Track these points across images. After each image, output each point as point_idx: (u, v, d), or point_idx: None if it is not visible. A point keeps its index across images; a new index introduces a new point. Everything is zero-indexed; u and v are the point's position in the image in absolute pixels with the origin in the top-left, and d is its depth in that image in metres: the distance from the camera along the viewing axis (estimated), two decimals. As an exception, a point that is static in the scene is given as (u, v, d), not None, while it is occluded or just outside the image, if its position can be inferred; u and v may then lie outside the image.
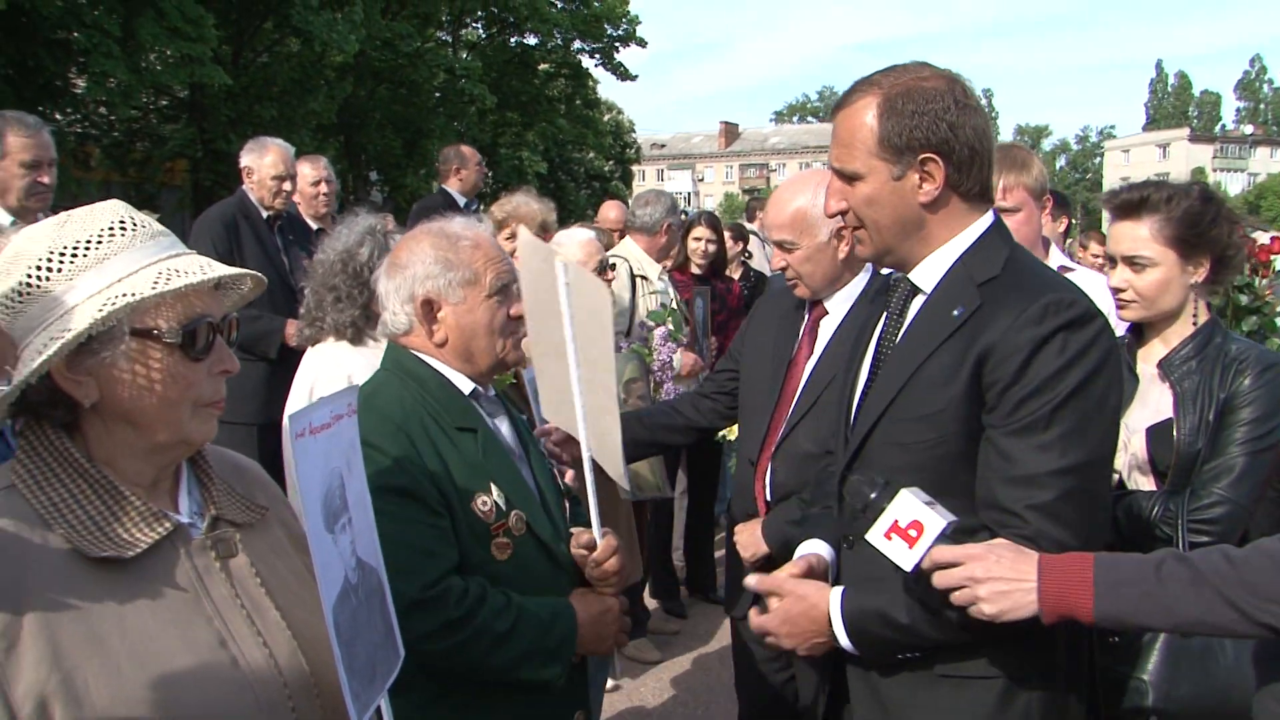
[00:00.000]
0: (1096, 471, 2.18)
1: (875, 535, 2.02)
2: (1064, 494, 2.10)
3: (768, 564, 3.25)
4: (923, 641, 2.18)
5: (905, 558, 2.00)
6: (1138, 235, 2.92)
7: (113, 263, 1.53)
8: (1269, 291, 5.54)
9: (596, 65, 36.31)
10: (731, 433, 5.52)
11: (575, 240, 4.49)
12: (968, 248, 2.28)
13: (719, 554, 7.00)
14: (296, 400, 3.46)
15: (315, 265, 3.50)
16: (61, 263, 1.52)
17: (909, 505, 2.00)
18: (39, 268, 1.52)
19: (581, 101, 37.52)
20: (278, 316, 5.60)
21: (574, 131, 37.06)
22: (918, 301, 2.35)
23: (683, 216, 6.51)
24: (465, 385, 2.57)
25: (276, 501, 1.86)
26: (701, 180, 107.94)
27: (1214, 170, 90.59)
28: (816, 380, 3.36)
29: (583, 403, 2.66)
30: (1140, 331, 3.07)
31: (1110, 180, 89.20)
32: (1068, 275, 3.54)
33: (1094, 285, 3.22)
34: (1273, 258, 5.81)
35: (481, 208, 8.36)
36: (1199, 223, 2.88)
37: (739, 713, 3.83)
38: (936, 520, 1.99)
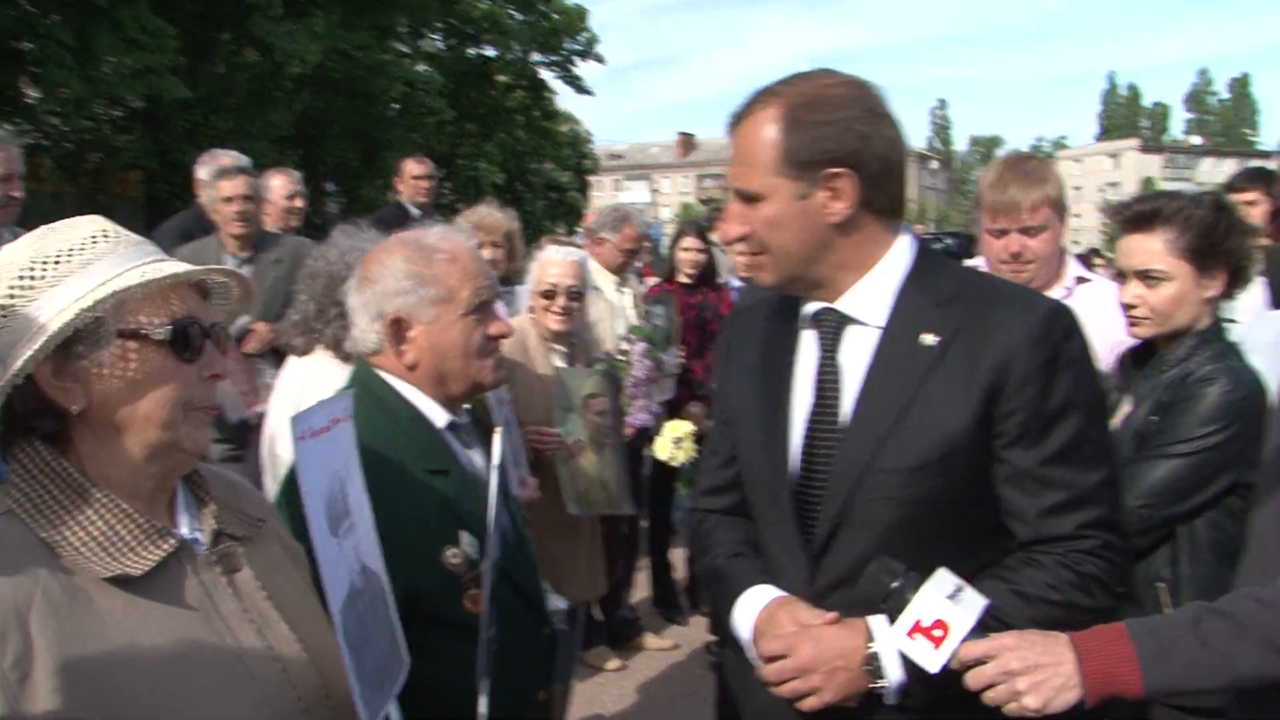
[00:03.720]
0: (1119, 470, 2.14)
1: (899, 636, 1.88)
2: (1113, 501, 2.06)
3: None
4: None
5: (930, 660, 1.85)
6: (1151, 248, 2.79)
7: (97, 267, 1.53)
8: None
9: (555, 78, 36.38)
10: (678, 457, 5.67)
11: (557, 257, 4.57)
12: (908, 270, 2.10)
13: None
14: (279, 409, 3.35)
15: (317, 274, 3.34)
16: (45, 270, 1.51)
17: (932, 602, 1.85)
18: (22, 278, 1.51)
19: (540, 113, 37.53)
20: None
21: (533, 143, 37.06)
22: (856, 334, 2.11)
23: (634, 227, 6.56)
24: (439, 418, 2.44)
25: (269, 514, 1.86)
26: (658, 190, 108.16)
27: (1163, 180, 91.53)
28: None
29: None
30: (1150, 348, 2.93)
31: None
32: (1085, 287, 3.47)
33: (1110, 296, 3.11)
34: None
35: (436, 218, 8.59)
36: (1214, 233, 2.76)
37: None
38: (963, 619, 1.84)
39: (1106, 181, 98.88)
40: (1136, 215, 2.83)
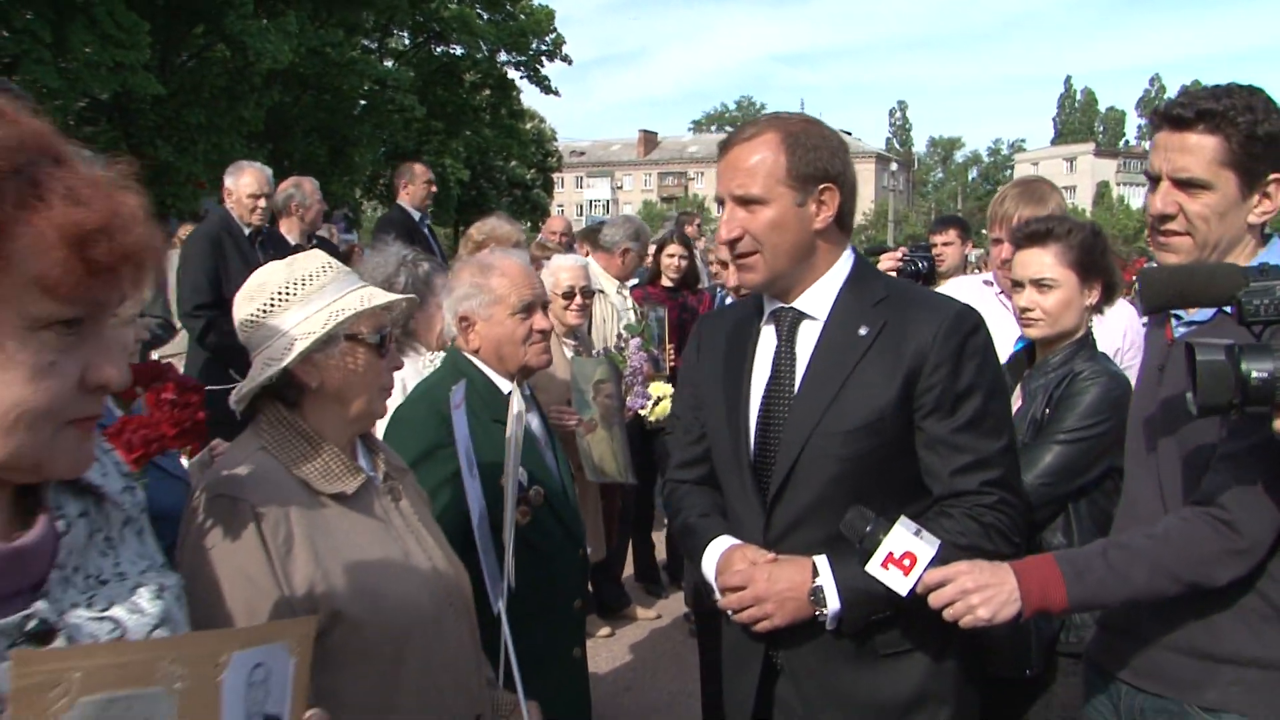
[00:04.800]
0: (1015, 440, 2.55)
1: (874, 566, 2.21)
2: (1010, 466, 2.46)
3: None
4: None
5: (901, 584, 2.21)
6: (1044, 260, 3.20)
7: (328, 290, 2.12)
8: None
9: (522, 78, 36.71)
10: (657, 413, 6.21)
11: (566, 264, 5.18)
12: (847, 276, 2.52)
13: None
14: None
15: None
16: (292, 291, 2.10)
17: (902, 538, 2.21)
18: (275, 296, 2.10)
19: (506, 112, 37.86)
20: None
21: (499, 141, 37.40)
22: (809, 326, 2.52)
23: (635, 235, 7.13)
24: (504, 385, 3.17)
25: (406, 466, 2.48)
26: (620, 188, 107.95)
27: (1118, 184, 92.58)
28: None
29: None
30: (1033, 351, 3.34)
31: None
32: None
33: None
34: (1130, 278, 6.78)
35: (430, 223, 8.98)
36: (1094, 251, 3.20)
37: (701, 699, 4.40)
38: (927, 549, 2.20)
39: (1063, 185, 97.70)
40: (1032, 233, 3.27)
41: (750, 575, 2.43)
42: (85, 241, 1.13)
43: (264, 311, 2.10)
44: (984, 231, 4.90)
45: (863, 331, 2.43)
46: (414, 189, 8.28)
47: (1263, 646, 2.25)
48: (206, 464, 2.79)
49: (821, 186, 2.42)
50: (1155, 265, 2.27)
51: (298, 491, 2.06)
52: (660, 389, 6.09)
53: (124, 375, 1.27)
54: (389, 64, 32.57)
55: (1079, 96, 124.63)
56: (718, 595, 2.53)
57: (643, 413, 6.07)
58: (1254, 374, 1.91)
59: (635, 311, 6.72)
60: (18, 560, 1.19)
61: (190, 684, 1.10)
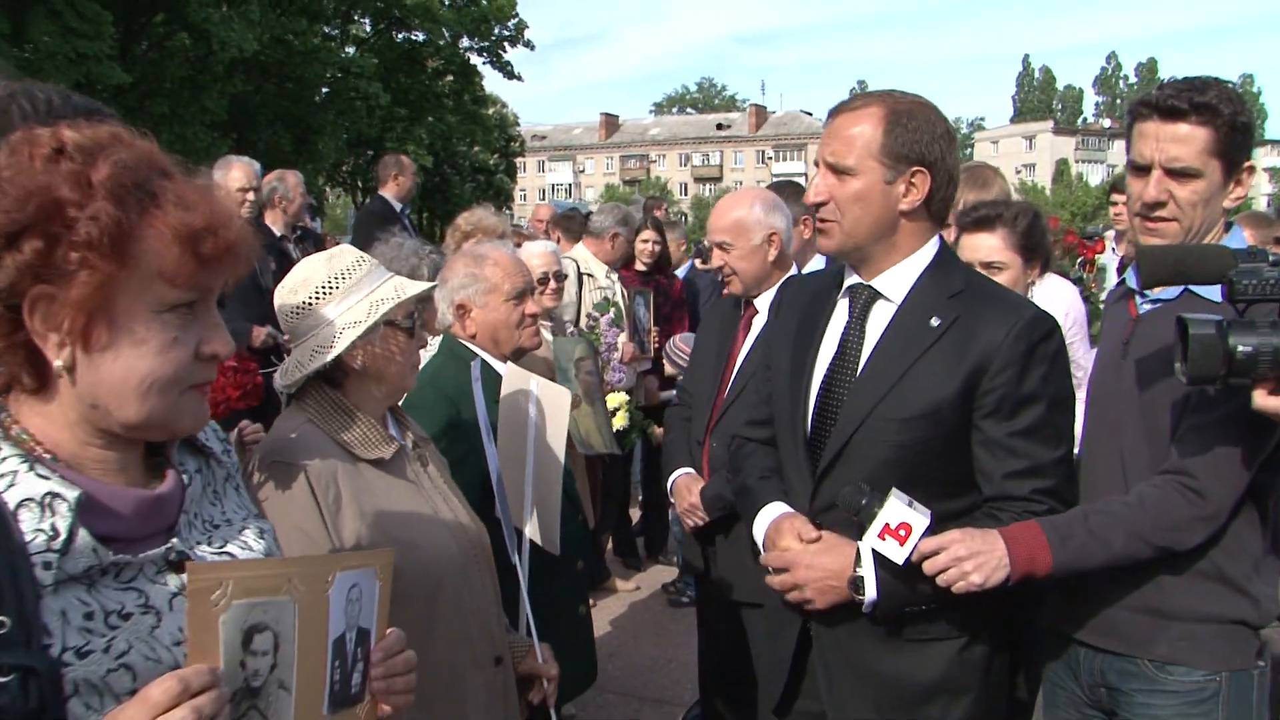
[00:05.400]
0: (1072, 452, 2.56)
1: (871, 538, 2.32)
2: (1064, 477, 2.49)
3: (708, 527, 3.90)
4: (942, 594, 2.35)
5: (898, 554, 2.30)
6: (992, 244, 3.47)
7: (364, 282, 2.37)
8: (1094, 285, 6.79)
9: (484, 63, 36.62)
10: (616, 424, 6.37)
11: (536, 250, 5.44)
12: (930, 262, 2.53)
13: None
14: None
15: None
16: (335, 284, 2.35)
17: (897, 510, 2.30)
18: (319, 289, 2.35)
19: (470, 98, 37.78)
20: (244, 322, 6.24)
21: (463, 128, 37.33)
22: (882, 307, 2.56)
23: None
24: (498, 366, 3.38)
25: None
26: (582, 171, 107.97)
27: (1076, 161, 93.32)
28: (745, 370, 3.83)
29: (532, 491, 3.10)
30: None
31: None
32: None
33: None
34: (1096, 256, 7.06)
35: (411, 212, 9.22)
36: (1034, 234, 3.49)
37: (699, 665, 4.57)
38: (921, 519, 2.30)
39: (1022, 163, 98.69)
40: (980, 219, 3.52)
41: (793, 560, 2.50)
42: (195, 239, 1.39)
43: (309, 304, 2.35)
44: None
45: (935, 322, 2.46)
46: (402, 180, 8.53)
47: (1205, 603, 2.44)
48: (236, 442, 3.06)
49: (914, 169, 2.45)
50: (1154, 245, 2.45)
51: (342, 458, 2.33)
52: (615, 399, 6.25)
53: (230, 346, 1.51)
54: (350, 51, 32.49)
55: (1037, 75, 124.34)
56: (764, 558, 2.61)
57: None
58: (1240, 348, 2.03)
59: (623, 295, 7.00)
60: (158, 505, 1.47)
61: (307, 596, 1.39)
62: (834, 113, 2.54)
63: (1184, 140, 2.40)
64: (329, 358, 2.30)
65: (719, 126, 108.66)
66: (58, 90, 1.82)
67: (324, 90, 31.44)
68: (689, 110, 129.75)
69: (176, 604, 1.40)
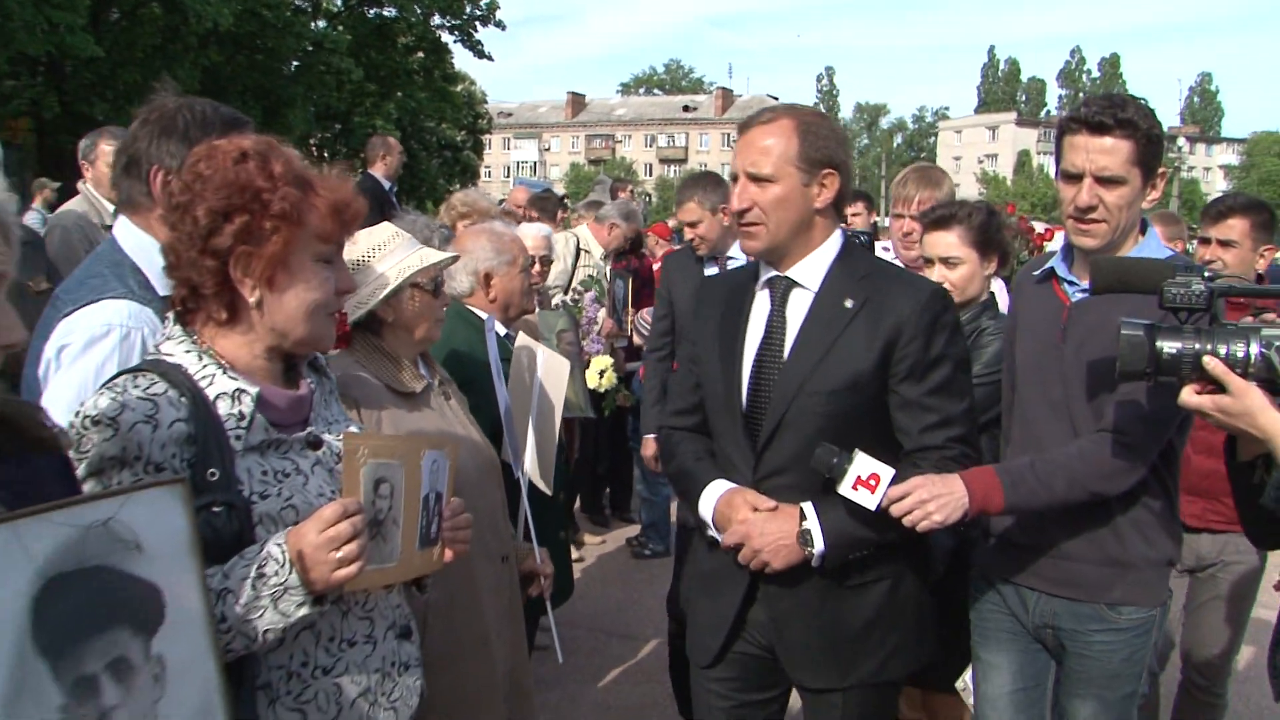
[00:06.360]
0: (974, 403, 2.89)
1: (845, 488, 2.56)
2: (970, 425, 2.81)
3: None
4: (878, 537, 2.68)
5: (870, 501, 2.55)
6: (949, 241, 3.69)
7: (398, 251, 2.93)
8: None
9: (456, 42, 36.51)
10: (602, 385, 6.83)
11: (531, 233, 6.03)
12: (838, 252, 2.80)
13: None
14: None
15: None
16: (375, 254, 2.90)
17: (866, 463, 2.56)
18: (368, 251, 2.90)
19: (440, 75, 37.70)
20: None
21: (432, 105, 37.27)
22: (800, 295, 2.80)
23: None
24: (501, 330, 3.87)
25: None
26: (549, 150, 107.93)
27: (1038, 153, 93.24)
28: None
29: (535, 440, 3.63)
30: None
31: (943, 160, 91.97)
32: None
33: None
34: (1045, 244, 7.69)
35: (396, 189, 9.73)
36: (989, 229, 3.70)
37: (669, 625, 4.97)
38: (887, 470, 2.56)
39: (985, 153, 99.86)
40: (939, 218, 3.76)
41: (746, 532, 2.72)
42: (339, 209, 2.03)
43: (362, 260, 2.91)
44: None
45: (848, 303, 2.72)
46: (390, 160, 9.08)
47: (1152, 548, 2.85)
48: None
49: (825, 171, 2.72)
50: (1103, 256, 2.75)
51: (383, 392, 2.90)
52: (601, 362, 6.85)
53: (354, 284, 2.22)
54: (321, 24, 32.41)
55: (1002, 66, 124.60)
56: (713, 533, 2.84)
57: (591, 385, 6.66)
58: (1165, 350, 2.21)
59: (606, 275, 7.69)
60: (298, 402, 2.09)
61: (410, 462, 2.01)
62: (745, 127, 2.79)
63: (1110, 151, 2.71)
64: (364, 311, 2.88)
65: (685, 108, 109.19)
66: (209, 104, 2.44)
67: (294, 64, 31.41)
68: (656, 91, 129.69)
69: (316, 470, 2.03)
